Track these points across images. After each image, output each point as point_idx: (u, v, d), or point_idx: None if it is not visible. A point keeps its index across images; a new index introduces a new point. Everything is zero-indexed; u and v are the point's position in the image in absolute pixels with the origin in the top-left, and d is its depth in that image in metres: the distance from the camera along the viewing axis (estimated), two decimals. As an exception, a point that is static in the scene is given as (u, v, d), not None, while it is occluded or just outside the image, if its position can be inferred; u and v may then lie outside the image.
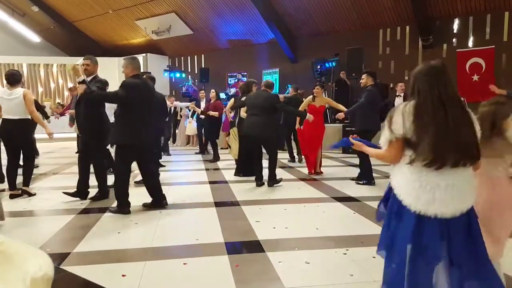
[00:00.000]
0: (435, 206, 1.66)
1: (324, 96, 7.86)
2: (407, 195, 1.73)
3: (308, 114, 5.94)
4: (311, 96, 6.59)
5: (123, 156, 4.17)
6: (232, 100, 7.69)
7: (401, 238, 1.73)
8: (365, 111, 5.64)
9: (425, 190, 1.68)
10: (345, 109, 6.28)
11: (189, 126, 11.40)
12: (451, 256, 1.67)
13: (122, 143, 4.11)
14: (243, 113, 6.19)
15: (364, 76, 5.81)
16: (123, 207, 4.15)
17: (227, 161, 7.91)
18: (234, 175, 6.41)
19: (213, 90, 8.43)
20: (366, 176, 5.68)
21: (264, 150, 5.73)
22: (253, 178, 5.76)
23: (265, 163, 5.69)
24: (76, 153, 7.14)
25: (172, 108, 8.91)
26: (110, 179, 4.67)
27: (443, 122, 1.65)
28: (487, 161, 1.93)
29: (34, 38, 17.79)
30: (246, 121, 5.70)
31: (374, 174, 5.75)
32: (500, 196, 2.03)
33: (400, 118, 1.72)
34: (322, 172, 6.63)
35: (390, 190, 1.89)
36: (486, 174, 2.03)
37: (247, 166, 6.27)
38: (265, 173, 5.62)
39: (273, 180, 5.55)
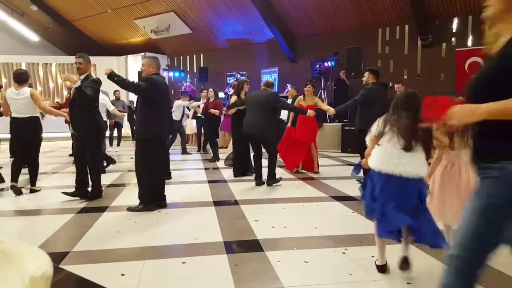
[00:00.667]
0: (401, 168, 2.41)
1: (323, 96, 7.89)
2: (379, 163, 2.50)
3: (308, 110, 5.97)
4: (302, 95, 6.71)
5: (155, 150, 4.26)
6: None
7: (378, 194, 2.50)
8: (364, 110, 5.51)
9: (392, 158, 2.45)
10: (331, 109, 6.28)
11: (189, 125, 11.40)
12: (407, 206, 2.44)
13: (151, 137, 4.17)
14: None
15: (366, 73, 5.74)
16: (159, 201, 4.30)
17: (226, 161, 7.91)
18: (235, 176, 6.40)
19: (211, 89, 8.45)
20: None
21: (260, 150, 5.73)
22: (247, 177, 5.77)
23: (264, 162, 5.70)
24: (70, 155, 7.12)
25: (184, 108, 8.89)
26: (107, 178, 4.67)
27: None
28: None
29: (33, 37, 17.77)
30: (246, 119, 5.71)
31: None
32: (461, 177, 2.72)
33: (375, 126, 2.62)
34: (319, 172, 6.65)
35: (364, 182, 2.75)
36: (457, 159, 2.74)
37: (240, 166, 6.38)
38: (264, 171, 5.63)
39: (273, 179, 5.56)
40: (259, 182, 5.59)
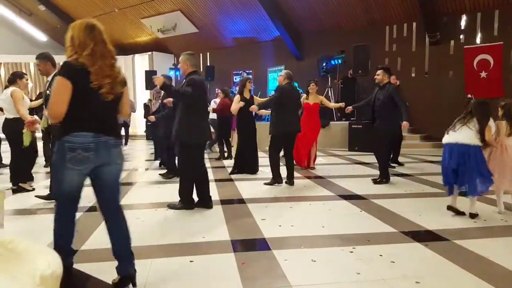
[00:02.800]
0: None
1: (330, 94, 7.95)
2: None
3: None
4: (306, 93, 6.89)
5: (194, 154, 4.19)
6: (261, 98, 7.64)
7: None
8: (392, 110, 5.43)
9: None
10: (331, 105, 6.89)
11: None
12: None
13: (190, 144, 4.09)
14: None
15: (380, 72, 5.64)
16: (206, 203, 4.29)
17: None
18: (230, 174, 6.47)
19: (219, 90, 8.60)
20: (384, 175, 5.62)
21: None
22: (254, 176, 5.75)
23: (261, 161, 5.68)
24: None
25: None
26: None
27: None
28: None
29: (41, 37, 17.91)
30: (286, 118, 5.37)
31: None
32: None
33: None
34: (315, 167, 6.97)
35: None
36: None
37: (243, 163, 6.48)
38: (259, 170, 5.61)
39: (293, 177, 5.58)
40: (292, 181, 5.52)
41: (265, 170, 6.34)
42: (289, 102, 5.43)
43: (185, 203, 4.21)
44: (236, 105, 6.38)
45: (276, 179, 5.49)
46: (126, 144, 10.94)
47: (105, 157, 2.22)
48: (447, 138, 3.89)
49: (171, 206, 4.25)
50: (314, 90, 6.90)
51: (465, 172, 3.70)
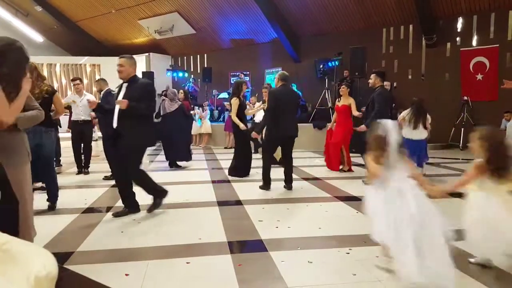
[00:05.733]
0: None
1: (327, 96, 7.90)
2: None
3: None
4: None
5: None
6: (259, 104, 7.55)
7: None
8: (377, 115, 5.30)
9: None
10: (356, 113, 6.50)
11: (195, 126, 11.44)
12: None
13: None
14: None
15: (372, 76, 5.65)
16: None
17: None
18: (229, 174, 6.40)
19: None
20: None
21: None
22: (251, 178, 5.73)
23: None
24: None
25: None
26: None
27: None
28: None
29: (38, 38, 17.85)
30: (280, 122, 5.16)
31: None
32: None
33: None
34: (351, 170, 6.78)
35: None
36: None
37: (242, 166, 6.33)
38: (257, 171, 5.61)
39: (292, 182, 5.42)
40: (290, 185, 5.34)
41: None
42: (283, 105, 5.14)
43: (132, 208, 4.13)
44: (253, 110, 6.36)
45: (265, 185, 5.31)
46: None
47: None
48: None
49: (115, 214, 4.04)
50: (344, 92, 6.78)
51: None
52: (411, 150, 4.49)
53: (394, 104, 6.18)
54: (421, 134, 5.81)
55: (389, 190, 2.38)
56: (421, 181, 2.48)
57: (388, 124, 2.45)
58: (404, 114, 5.96)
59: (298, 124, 5.49)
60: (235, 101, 6.29)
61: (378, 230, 2.45)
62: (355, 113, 6.60)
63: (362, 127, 5.54)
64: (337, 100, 6.82)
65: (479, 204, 2.52)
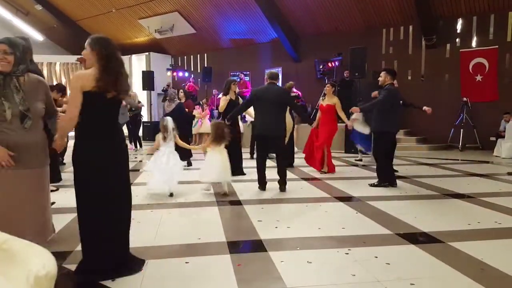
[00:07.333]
0: None
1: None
2: None
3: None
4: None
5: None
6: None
7: None
8: (383, 111, 5.39)
9: None
10: (347, 121, 6.49)
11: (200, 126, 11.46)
12: None
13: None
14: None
15: (382, 73, 5.63)
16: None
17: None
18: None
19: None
20: (381, 178, 5.49)
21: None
22: (249, 177, 5.71)
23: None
24: None
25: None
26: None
27: None
28: None
29: (38, 37, 17.83)
30: (258, 120, 5.25)
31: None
32: None
33: None
34: (325, 171, 6.67)
35: None
36: None
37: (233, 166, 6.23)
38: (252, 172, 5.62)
39: (285, 183, 5.25)
40: (264, 187, 5.27)
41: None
42: (262, 103, 5.11)
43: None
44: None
45: (259, 185, 5.29)
46: (140, 147, 10.97)
47: None
48: None
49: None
50: (328, 91, 6.78)
51: None
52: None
53: (402, 102, 6.13)
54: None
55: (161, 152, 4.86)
56: (181, 144, 5.00)
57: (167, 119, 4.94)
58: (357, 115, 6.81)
59: (298, 124, 5.45)
60: (224, 98, 6.52)
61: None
62: (341, 113, 6.63)
63: (354, 109, 5.74)
64: (321, 98, 6.77)
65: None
